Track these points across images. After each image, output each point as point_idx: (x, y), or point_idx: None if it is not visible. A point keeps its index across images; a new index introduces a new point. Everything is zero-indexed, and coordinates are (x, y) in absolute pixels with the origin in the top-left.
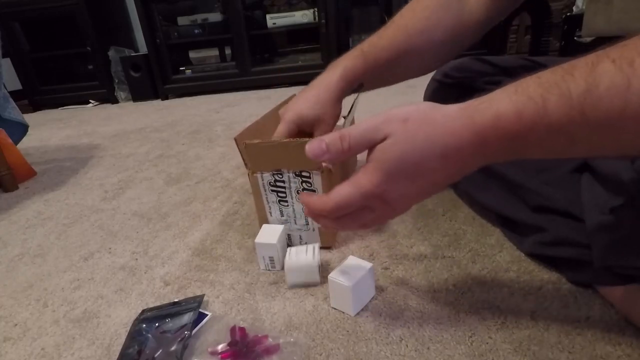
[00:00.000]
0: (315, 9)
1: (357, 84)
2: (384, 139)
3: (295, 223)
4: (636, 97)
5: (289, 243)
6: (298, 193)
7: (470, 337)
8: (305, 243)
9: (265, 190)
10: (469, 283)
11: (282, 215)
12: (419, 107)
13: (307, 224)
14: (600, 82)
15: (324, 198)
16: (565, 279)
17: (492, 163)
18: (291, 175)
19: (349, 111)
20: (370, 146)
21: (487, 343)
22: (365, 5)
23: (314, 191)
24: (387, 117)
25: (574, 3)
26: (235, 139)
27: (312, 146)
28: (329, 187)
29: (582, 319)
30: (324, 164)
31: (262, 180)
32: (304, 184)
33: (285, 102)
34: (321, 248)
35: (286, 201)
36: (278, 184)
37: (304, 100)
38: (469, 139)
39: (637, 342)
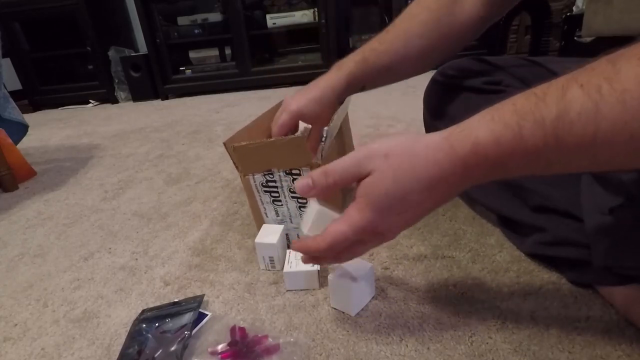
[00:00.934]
0: (315, 9)
1: (359, 87)
2: (367, 175)
3: (291, 222)
4: (606, 121)
5: (287, 243)
6: (290, 191)
7: (470, 337)
8: None
9: (258, 192)
10: (469, 283)
11: (277, 215)
12: (399, 140)
13: None
14: (570, 108)
15: (318, 239)
16: (565, 279)
17: (474, 185)
18: (282, 174)
19: (339, 108)
20: (355, 180)
21: (487, 343)
22: (365, 5)
23: None
24: (368, 153)
25: (574, 3)
26: (225, 143)
27: (300, 183)
28: None
29: (582, 319)
30: (313, 160)
31: (254, 181)
32: (295, 182)
33: (278, 106)
34: None
35: (280, 201)
36: (270, 184)
37: (308, 98)
38: (452, 168)
39: (637, 342)
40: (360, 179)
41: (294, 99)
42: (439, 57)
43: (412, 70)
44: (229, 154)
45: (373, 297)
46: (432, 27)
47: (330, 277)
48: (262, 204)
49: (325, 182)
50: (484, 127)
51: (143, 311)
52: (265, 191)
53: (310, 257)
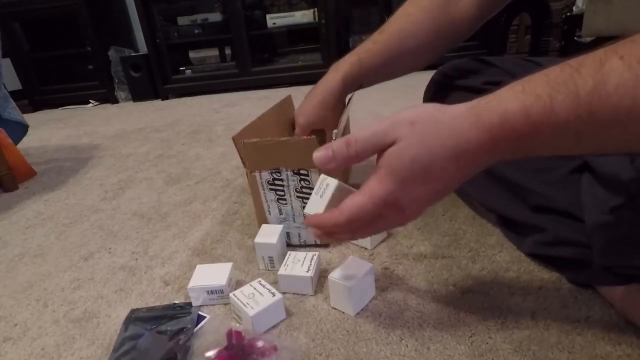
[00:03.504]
0: (315, 9)
1: (356, 86)
2: (392, 143)
3: (294, 221)
4: None
5: (288, 241)
6: (296, 191)
7: (470, 337)
8: (304, 241)
9: (263, 189)
10: (469, 283)
11: (280, 213)
12: (425, 108)
13: None
14: (608, 79)
15: (335, 213)
16: (565, 279)
17: (499, 161)
18: (289, 173)
19: (345, 110)
20: (378, 150)
21: (487, 343)
22: (365, 5)
23: (311, 189)
24: (394, 121)
25: (574, 3)
26: (234, 138)
27: (319, 155)
28: None
29: (582, 319)
30: None
31: (261, 179)
32: (302, 182)
33: (284, 102)
34: (319, 246)
35: (285, 199)
36: (276, 182)
37: (312, 106)
38: (478, 138)
39: (637, 342)
40: (383, 149)
41: (300, 111)
42: (434, 55)
43: (406, 69)
44: (237, 149)
45: (373, 297)
46: (427, 27)
47: (330, 277)
48: (266, 201)
49: (347, 152)
50: (513, 98)
51: (132, 310)
52: (271, 189)
53: (325, 232)
